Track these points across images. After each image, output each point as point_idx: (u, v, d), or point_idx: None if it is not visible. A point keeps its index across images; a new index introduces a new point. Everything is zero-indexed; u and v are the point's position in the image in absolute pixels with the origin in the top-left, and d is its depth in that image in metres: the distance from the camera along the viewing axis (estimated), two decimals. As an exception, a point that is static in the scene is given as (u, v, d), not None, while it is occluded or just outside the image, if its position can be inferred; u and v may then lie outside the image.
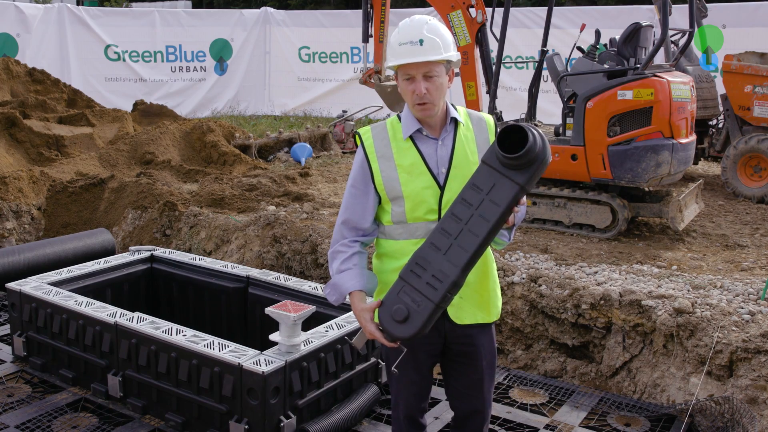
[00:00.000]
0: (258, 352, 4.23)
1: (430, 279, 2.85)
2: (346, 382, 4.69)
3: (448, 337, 3.19)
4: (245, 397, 4.08)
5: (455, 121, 3.13)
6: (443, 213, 2.98)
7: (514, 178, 2.82)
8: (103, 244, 7.42)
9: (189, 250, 8.23)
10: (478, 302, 3.16)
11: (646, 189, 8.00)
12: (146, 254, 6.07)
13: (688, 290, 5.85)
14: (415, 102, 3.02)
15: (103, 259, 5.92)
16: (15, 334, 5.34)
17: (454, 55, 3.05)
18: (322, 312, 4.98)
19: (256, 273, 5.62)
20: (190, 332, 4.49)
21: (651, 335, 5.59)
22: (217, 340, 4.38)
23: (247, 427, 4.10)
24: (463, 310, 3.14)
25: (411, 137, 3.09)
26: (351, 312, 4.85)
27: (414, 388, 3.34)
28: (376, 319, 3.09)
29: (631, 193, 7.84)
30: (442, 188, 3.05)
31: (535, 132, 2.80)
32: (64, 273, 5.55)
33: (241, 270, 5.69)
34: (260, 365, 4.03)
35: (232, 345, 4.31)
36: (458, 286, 2.85)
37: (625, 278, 6.15)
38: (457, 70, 3.20)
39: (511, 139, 2.82)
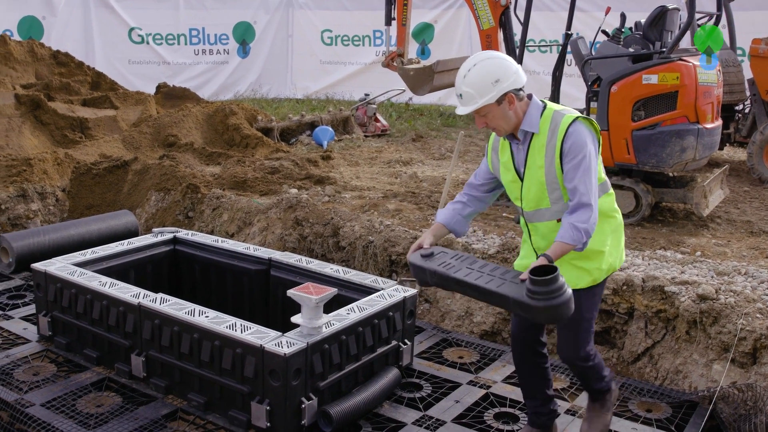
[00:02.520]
0: (280, 333, 4.25)
1: (463, 268, 3.62)
2: (367, 365, 4.70)
3: None
4: (267, 379, 4.11)
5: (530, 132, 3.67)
6: (524, 200, 3.76)
7: (530, 297, 3.26)
8: (127, 226, 7.50)
9: (211, 233, 8.28)
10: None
11: (671, 174, 7.92)
12: (169, 236, 6.11)
13: (712, 276, 5.80)
14: None
15: (126, 241, 5.97)
16: (40, 314, 5.40)
17: (493, 96, 3.53)
18: (344, 295, 5.00)
19: (278, 255, 5.64)
20: (212, 313, 4.52)
21: (674, 321, 5.55)
22: (239, 321, 4.40)
23: (268, 408, 4.13)
24: None
25: (507, 138, 3.77)
26: (372, 295, 4.87)
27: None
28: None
29: (655, 179, 7.77)
30: (521, 182, 3.75)
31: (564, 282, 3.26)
32: (89, 254, 5.60)
33: (264, 252, 5.71)
34: (282, 347, 4.06)
35: (254, 326, 4.34)
36: (457, 286, 3.63)
37: (648, 264, 6.11)
38: (514, 88, 3.58)
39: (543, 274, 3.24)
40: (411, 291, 5.03)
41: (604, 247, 3.76)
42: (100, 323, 5.00)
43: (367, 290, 5.05)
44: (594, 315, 3.88)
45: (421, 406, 4.68)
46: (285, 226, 7.77)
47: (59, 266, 5.32)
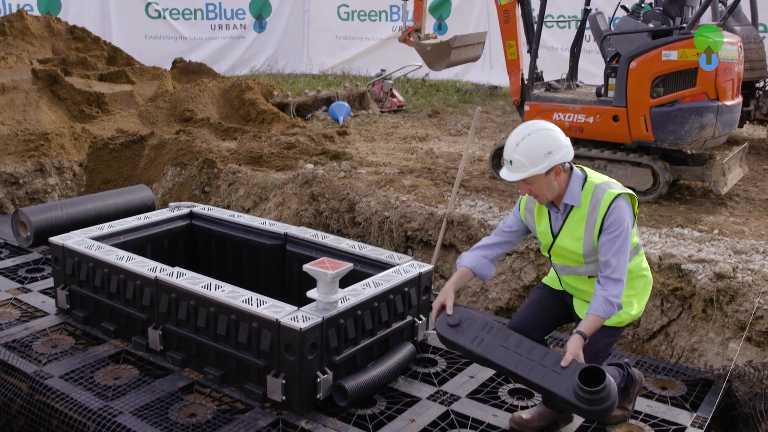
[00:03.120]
0: (295, 308, 4.27)
1: (498, 347, 3.67)
2: (382, 340, 4.72)
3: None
4: (282, 353, 4.13)
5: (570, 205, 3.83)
6: (553, 256, 3.99)
7: (578, 399, 3.35)
8: (143, 200, 7.52)
9: (228, 207, 8.30)
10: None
11: (689, 152, 7.85)
12: (185, 210, 6.13)
13: (730, 255, 5.76)
14: None
15: (143, 215, 5.99)
16: (58, 287, 5.44)
17: (544, 168, 3.65)
18: (360, 270, 5.00)
19: (294, 230, 5.65)
20: (228, 288, 4.54)
21: (690, 299, 5.53)
22: (255, 295, 4.42)
23: (284, 381, 4.15)
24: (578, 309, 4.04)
25: (546, 206, 3.91)
26: (387, 271, 4.88)
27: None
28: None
29: (673, 156, 7.71)
30: (554, 242, 3.93)
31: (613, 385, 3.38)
32: (106, 228, 5.63)
33: (279, 227, 5.72)
34: (297, 321, 4.07)
35: (270, 301, 4.35)
36: (490, 365, 3.75)
37: (665, 242, 6.08)
38: (564, 161, 3.70)
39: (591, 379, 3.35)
40: (426, 266, 5.03)
41: (633, 299, 3.94)
42: (117, 297, 5.03)
43: (383, 265, 5.05)
44: (609, 353, 4.07)
45: (435, 381, 4.70)
46: (301, 201, 7.78)
47: (77, 240, 5.36)
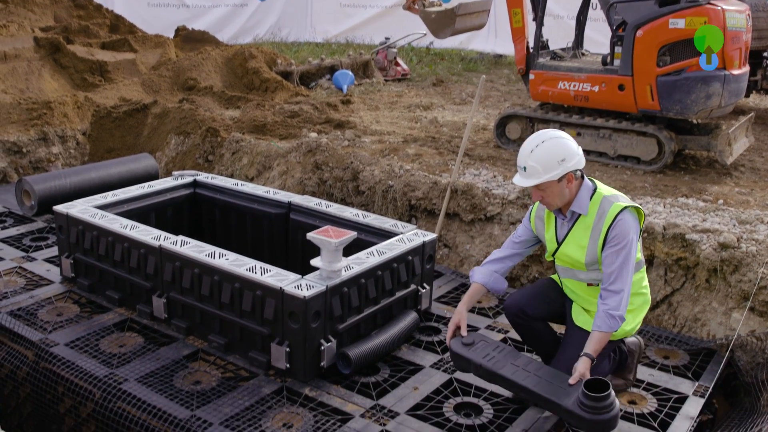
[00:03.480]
0: (299, 276, 4.27)
1: (508, 364, 3.78)
2: (386, 308, 4.73)
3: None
4: (286, 321, 4.15)
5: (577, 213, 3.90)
6: (557, 259, 4.04)
7: (582, 408, 3.41)
8: (147, 169, 7.52)
9: (231, 176, 8.29)
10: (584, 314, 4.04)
11: (695, 121, 7.80)
12: (189, 179, 6.12)
13: (734, 225, 5.75)
14: None
15: (147, 184, 5.99)
16: (63, 256, 5.46)
17: (557, 174, 3.73)
18: (363, 239, 5.01)
19: (297, 199, 5.65)
20: (232, 256, 4.54)
21: (694, 269, 5.53)
22: (259, 264, 4.43)
23: (288, 349, 4.17)
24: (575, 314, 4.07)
25: (554, 213, 4.00)
26: (391, 240, 4.88)
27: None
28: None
29: (678, 126, 7.66)
30: (558, 248, 4.00)
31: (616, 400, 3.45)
32: (110, 197, 5.63)
33: (283, 196, 5.72)
34: (301, 289, 4.08)
35: (274, 269, 4.36)
36: (504, 383, 3.79)
37: (670, 211, 6.06)
38: (576, 168, 3.80)
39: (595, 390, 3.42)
40: (430, 235, 5.02)
41: (629, 315, 3.95)
42: (121, 265, 5.05)
43: (387, 234, 5.05)
44: (605, 369, 4.06)
45: (439, 350, 4.72)
46: (305, 170, 7.76)
47: (81, 209, 5.36)
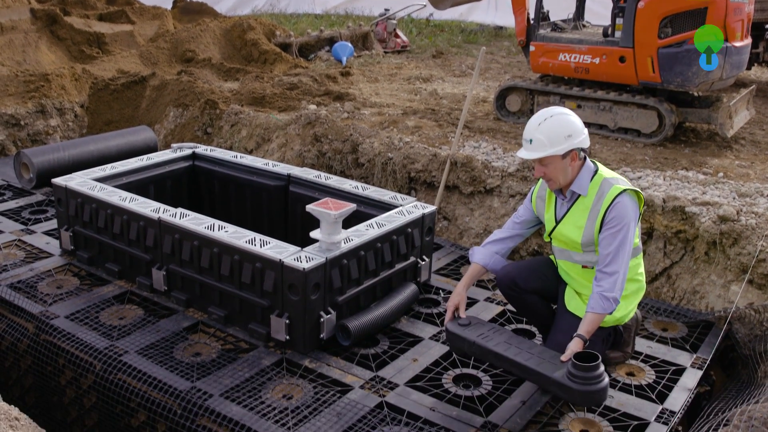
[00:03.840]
0: (299, 248, 4.27)
1: (502, 342, 3.77)
2: (385, 280, 4.74)
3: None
4: (286, 293, 4.15)
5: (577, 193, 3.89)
6: (554, 239, 4.02)
7: (571, 380, 3.41)
8: (146, 142, 7.49)
9: (230, 148, 8.27)
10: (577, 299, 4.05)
11: (696, 94, 7.77)
12: (188, 151, 6.10)
13: (734, 198, 5.74)
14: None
15: (145, 156, 5.97)
16: (62, 229, 5.45)
17: (562, 149, 3.72)
18: (363, 211, 5.00)
19: (297, 171, 5.64)
20: (231, 228, 4.54)
21: (693, 242, 5.53)
22: (258, 236, 4.42)
23: (287, 321, 4.18)
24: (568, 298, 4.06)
25: (554, 192, 3.99)
26: (391, 212, 4.88)
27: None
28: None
29: (679, 98, 7.63)
30: (556, 226, 3.98)
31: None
32: (108, 169, 5.62)
33: (282, 168, 5.71)
34: (301, 262, 4.08)
35: (273, 241, 4.36)
36: (496, 359, 3.74)
37: (670, 184, 6.06)
38: (581, 147, 3.79)
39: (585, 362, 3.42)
40: (430, 208, 5.02)
41: (622, 301, 3.94)
42: (121, 238, 5.04)
43: (386, 206, 5.05)
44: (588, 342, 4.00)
45: (438, 322, 4.73)
46: (304, 142, 7.74)
47: (79, 181, 5.35)
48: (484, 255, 4.16)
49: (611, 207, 3.72)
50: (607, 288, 3.67)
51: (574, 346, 3.64)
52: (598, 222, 3.76)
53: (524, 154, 3.83)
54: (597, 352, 3.66)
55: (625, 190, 3.74)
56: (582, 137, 3.78)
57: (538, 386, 3.71)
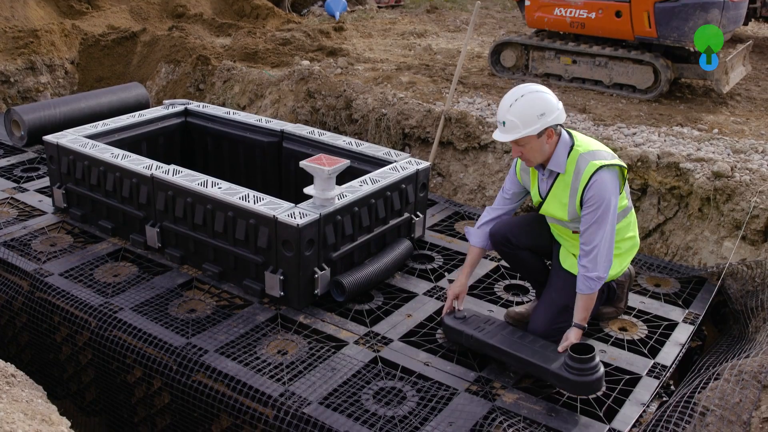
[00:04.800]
0: (292, 205, 4.26)
1: (498, 334, 3.85)
2: (379, 236, 4.74)
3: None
4: (280, 249, 4.15)
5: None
6: (541, 210, 3.96)
7: (567, 371, 3.48)
8: (138, 98, 7.42)
9: (223, 105, 8.21)
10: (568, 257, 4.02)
11: (692, 49, 7.71)
12: (180, 108, 6.05)
13: (729, 154, 5.73)
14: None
15: (137, 113, 5.91)
16: (54, 186, 5.42)
17: (536, 129, 3.62)
18: (357, 167, 4.98)
19: (290, 127, 5.60)
20: (225, 185, 4.52)
21: (687, 198, 5.53)
22: (252, 192, 4.41)
23: (282, 277, 4.19)
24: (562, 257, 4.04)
25: (536, 168, 3.91)
26: (384, 168, 4.86)
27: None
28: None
29: (675, 53, 7.57)
30: (541, 204, 3.95)
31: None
32: (100, 126, 5.57)
33: (276, 124, 5.67)
34: (295, 218, 4.07)
35: (267, 198, 4.35)
36: (494, 352, 3.79)
37: (664, 140, 6.04)
38: (555, 123, 3.69)
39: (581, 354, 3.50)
40: (424, 163, 5.00)
41: (615, 259, 3.93)
42: (113, 195, 5.02)
43: (380, 162, 5.03)
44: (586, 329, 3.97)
45: (432, 278, 4.74)
46: (297, 98, 7.68)
47: (71, 138, 5.30)
48: (481, 237, 4.13)
49: (588, 186, 3.65)
50: (589, 268, 3.66)
51: (573, 336, 3.69)
52: (578, 200, 3.72)
53: (499, 136, 3.75)
54: (568, 305, 3.73)
55: (601, 167, 3.65)
56: (556, 113, 3.68)
57: (536, 376, 3.74)
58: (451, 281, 4.62)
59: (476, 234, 4.15)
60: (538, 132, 3.65)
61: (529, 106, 3.64)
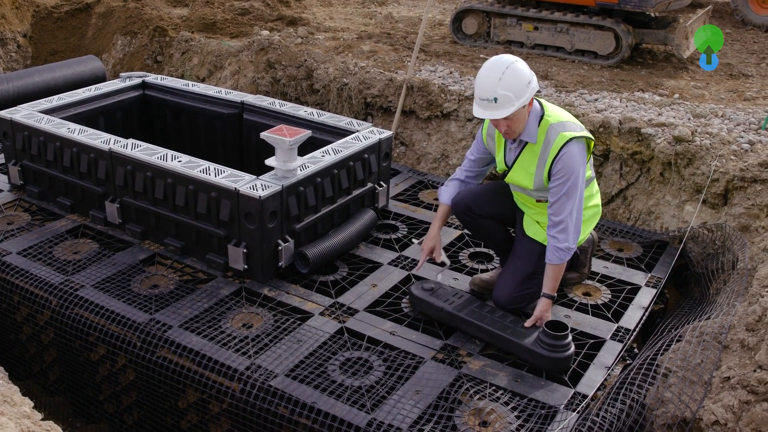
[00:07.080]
0: (254, 177, 4.21)
1: (467, 307, 3.88)
2: (343, 207, 4.71)
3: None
4: (243, 222, 4.11)
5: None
6: (507, 178, 3.96)
7: (540, 346, 3.56)
8: (94, 72, 7.26)
9: (182, 77, 8.07)
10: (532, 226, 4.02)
11: (653, 14, 7.73)
12: (138, 81, 5.93)
13: (689, 119, 5.77)
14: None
15: (93, 87, 5.79)
16: (9, 163, 5.30)
17: (527, 98, 3.58)
18: (319, 137, 4.94)
19: (250, 98, 5.52)
20: (185, 158, 4.45)
21: (648, 163, 5.57)
22: (213, 165, 4.35)
23: (245, 250, 4.15)
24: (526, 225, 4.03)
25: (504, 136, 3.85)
26: (347, 138, 4.82)
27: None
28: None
29: (636, 19, 7.59)
30: (507, 172, 3.94)
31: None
32: (55, 101, 5.44)
33: (236, 96, 5.59)
34: (257, 190, 4.03)
35: (228, 170, 4.29)
36: (465, 325, 3.82)
37: (626, 106, 6.06)
38: (537, 89, 3.67)
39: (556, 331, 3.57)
40: (386, 133, 4.97)
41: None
42: (71, 171, 4.92)
43: (342, 132, 4.99)
44: (540, 276, 3.92)
45: (396, 247, 4.74)
46: (257, 69, 7.58)
47: (25, 114, 5.18)
48: (451, 194, 4.12)
49: (558, 158, 3.64)
50: (559, 239, 3.68)
51: (542, 307, 3.72)
52: (546, 170, 3.71)
53: (493, 114, 3.60)
54: (534, 272, 3.76)
55: (571, 139, 3.64)
56: (535, 80, 3.67)
57: (506, 349, 3.75)
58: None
59: (447, 192, 4.16)
60: (528, 101, 3.62)
61: (518, 77, 3.57)
